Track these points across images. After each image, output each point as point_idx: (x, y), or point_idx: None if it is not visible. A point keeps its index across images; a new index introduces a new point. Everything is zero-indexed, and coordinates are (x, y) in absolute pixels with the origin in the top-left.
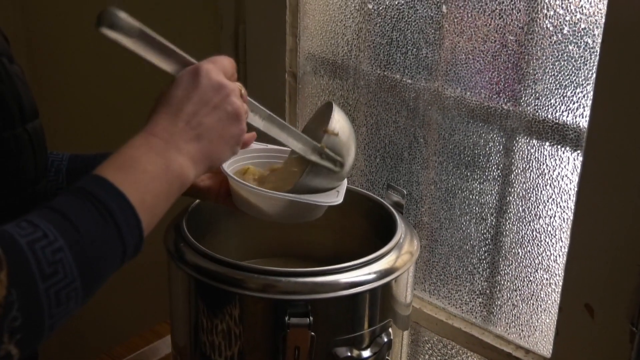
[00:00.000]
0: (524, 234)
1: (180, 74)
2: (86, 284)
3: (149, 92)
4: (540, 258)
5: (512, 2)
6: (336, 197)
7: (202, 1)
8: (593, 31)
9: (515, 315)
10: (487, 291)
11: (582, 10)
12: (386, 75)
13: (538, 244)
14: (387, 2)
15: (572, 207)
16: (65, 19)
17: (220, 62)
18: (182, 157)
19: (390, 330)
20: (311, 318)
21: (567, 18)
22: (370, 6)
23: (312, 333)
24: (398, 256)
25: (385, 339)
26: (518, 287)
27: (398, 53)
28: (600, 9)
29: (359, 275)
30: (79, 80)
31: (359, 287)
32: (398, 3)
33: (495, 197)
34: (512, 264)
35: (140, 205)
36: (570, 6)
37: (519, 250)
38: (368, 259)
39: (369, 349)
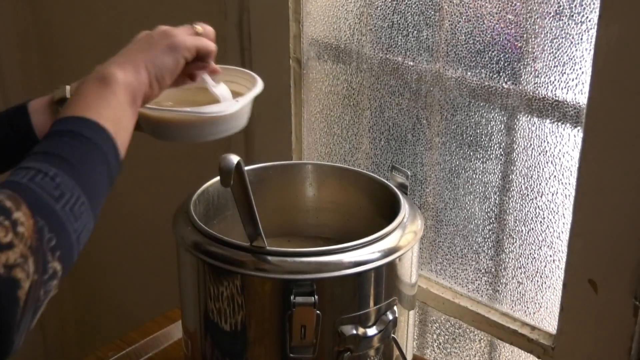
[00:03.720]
0: (527, 211)
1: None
2: (90, 198)
3: None
4: (543, 235)
5: None
6: (232, 106)
7: None
8: (590, 6)
9: (520, 292)
10: (493, 269)
11: None
12: (388, 58)
13: (541, 222)
14: None
15: (574, 184)
16: (76, 12)
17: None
18: (109, 67)
19: (395, 308)
20: (316, 297)
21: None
22: None
23: (318, 312)
24: (402, 235)
25: (391, 317)
26: (522, 264)
27: (399, 36)
28: None
29: (363, 254)
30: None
31: (363, 266)
32: None
33: (498, 176)
34: (516, 241)
35: (98, 118)
36: None
37: (523, 228)
38: (372, 238)
39: (374, 327)
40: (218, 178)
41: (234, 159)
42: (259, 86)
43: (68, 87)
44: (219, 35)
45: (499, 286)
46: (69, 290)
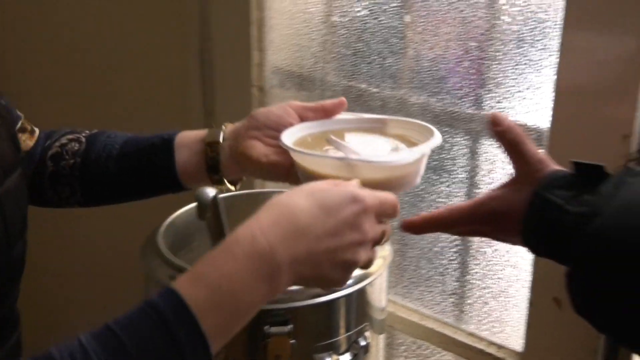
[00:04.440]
0: None
1: (337, 190)
2: None
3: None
4: (508, 255)
5: (473, 10)
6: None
7: (167, 20)
8: (551, 34)
9: (486, 312)
10: (458, 291)
11: (540, 14)
12: (352, 86)
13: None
14: (351, 14)
15: None
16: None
17: (384, 204)
18: (288, 279)
19: (366, 334)
20: (290, 326)
21: (526, 23)
22: (334, 18)
23: (292, 341)
24: None
25: (363, 343)
26: (488, 285)
27: (363, 63)
28: (558, 12)
29: None
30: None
31: (336, 294)
32: (362, 14)
33: (463, 199)
34: (480, 263)
35: (216, 341)
36: (528, 12)
37: (487, 249)
38: None
39: (348, 353)
40: (184, 209)
41: (210, 192)
42: (436, 137)
43: (222, 132)
44: (180, 65)
45: (464, 307)
46: (29, 326)
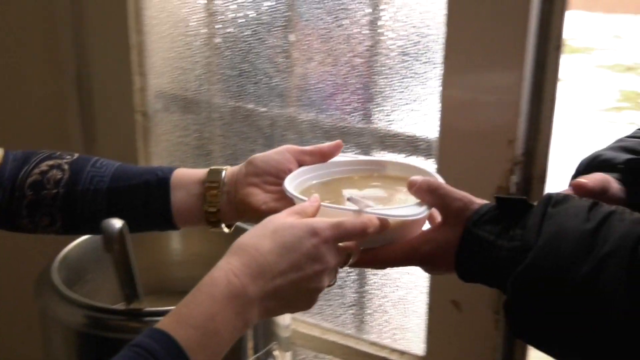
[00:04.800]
0: None
1: (297, 225)
2: None
3: None
4: None
5: (357, 27)
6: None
7: (39, 46)
8: (435, 48)
9: (386, 321)
10: (358, 302)
11: (423, 29)
12: (240, 106)
13: None
14: (234, 35)
15: None
16: None
17: (341, 230)
18: (258, 313)
19: (275, 353)
20: None
21: (409, 38)
22: (217, 40)
23: None
24: None
25: None
26: (386, 294)
27: (250, 83)
28: (440, 26)
29: None
30: None
31: None
32: (245, 35)
33: None
34: (378, 273)
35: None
36: (410, 27)
37: None
38: None
39: None
40: (77, 241)
41: (117, 223)
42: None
43: (224, 172)
44: (55, 91)
45: (365, 317)
46: None
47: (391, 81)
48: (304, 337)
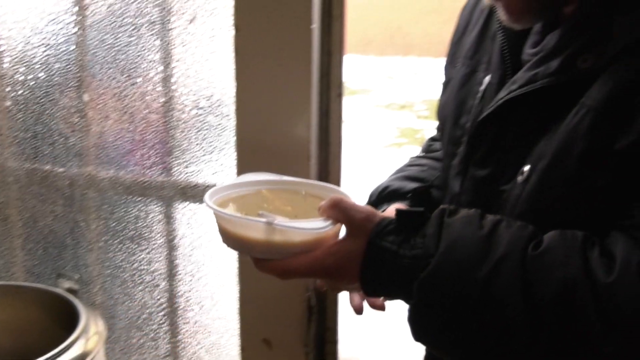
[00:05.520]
0: (197, 290)
1: None
2: None
3: None
4: (215, 309)
5: (150, 85)
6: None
7: None
8: (227, 101)
9: None
10: (172, 352)
11: (215, 84)
12: (37, 168)
13: (211, 297)
14: (25, 98)
15: (237, 257)
16: None
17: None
18: None
19: None
20: None
21: (202, 93)
22: (7, 103)
23: None
24: (87, 340)
25: None
26: (200, 341)
27: (45, 144)
28: (230, 80)
29: None
30: None
31: None
32: (37, 97)
33: (164, 263)
34: (190, 321)
35: None
36: (202, 82)
37: (195, 306)
38: (56, 351)
39: None
40: None
41: None
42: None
43: None
44: None
45: None
46: None
47: (188, 134)
48: None
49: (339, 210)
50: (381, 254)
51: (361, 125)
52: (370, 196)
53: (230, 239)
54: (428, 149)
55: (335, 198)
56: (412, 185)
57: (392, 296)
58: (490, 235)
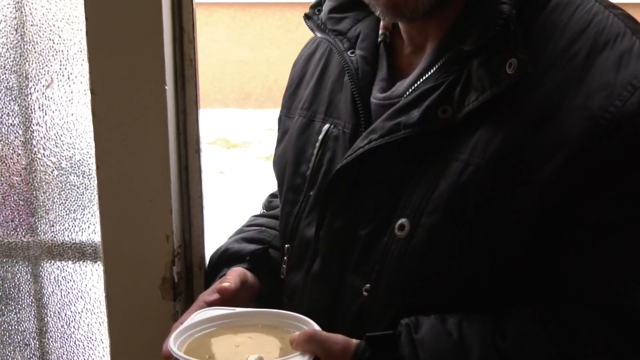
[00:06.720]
0: (67, 347)
1: None
2: None
3: None
4: None
5: (11, 148)
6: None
7: None
8: (87, 161)
9: None
10: None
11: (75, 145)
12: None
13: (82, 353)
14: None
15: (105, 312)
16: None
17: None
18: None
19: None
20: None
21: (63, 154)
22: None
23: None
24: None
25: None
26: None
27: None
28: (89, 140)
29: None
30: None
31: None
32: None
33: (33, 322)
34: None
35: None
36: (63, 144)
37: None
38: None
39: None
40: None
41: None
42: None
43: None
44: None
45: None
46: None
47: (51, 194)
48: None
49: (316, 344)
50: None
51: (243, 177)
52: (211, 259)
53: None
54: (268, 205)
55: (309, 332)
56: (250, 247)
57: None
58: (461, 340)
